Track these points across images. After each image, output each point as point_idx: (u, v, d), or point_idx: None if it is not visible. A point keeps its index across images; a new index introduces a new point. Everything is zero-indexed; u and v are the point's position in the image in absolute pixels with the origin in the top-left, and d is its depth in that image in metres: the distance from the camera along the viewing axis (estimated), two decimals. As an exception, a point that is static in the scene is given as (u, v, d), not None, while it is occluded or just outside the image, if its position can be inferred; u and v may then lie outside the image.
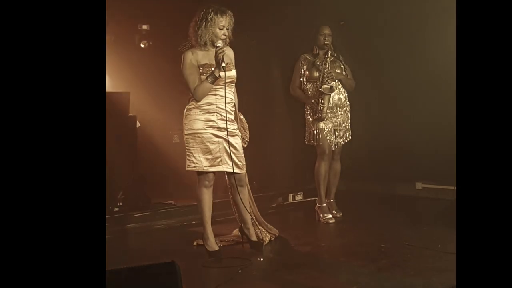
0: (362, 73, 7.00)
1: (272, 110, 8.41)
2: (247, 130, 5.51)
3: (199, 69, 5.03)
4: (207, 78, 4.95)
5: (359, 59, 7.25)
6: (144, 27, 8.25)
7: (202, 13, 5.00)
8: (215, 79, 4.95)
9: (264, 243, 5.46)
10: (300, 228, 6.44)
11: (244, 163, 5.27)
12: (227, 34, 5.03)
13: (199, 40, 5.03)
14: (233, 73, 5.13)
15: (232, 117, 5.19)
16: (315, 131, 6.44)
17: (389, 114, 7.84)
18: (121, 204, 6.74)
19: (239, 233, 5.53)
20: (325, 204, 6.56)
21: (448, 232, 5.13)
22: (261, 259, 5.02)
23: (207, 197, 5.16)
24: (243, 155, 5.26)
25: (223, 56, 4.91)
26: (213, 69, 4.98)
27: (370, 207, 7.30)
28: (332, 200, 6.75)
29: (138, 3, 7.68)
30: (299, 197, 7.81)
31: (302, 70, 6.55)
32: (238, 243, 5.54)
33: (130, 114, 7.32)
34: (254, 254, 5.14)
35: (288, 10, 8.04)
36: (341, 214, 6.69)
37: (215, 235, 5.27)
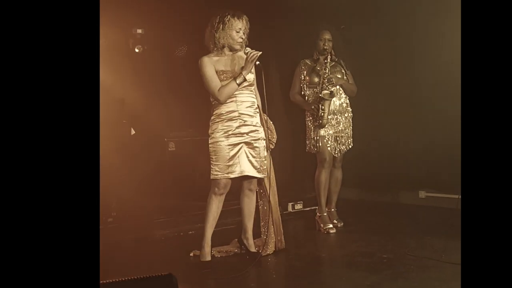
0: (364, 79, 7.01)
1: (271, 116, 8.41)
2: (274, 131, 5.59)
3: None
4: (234, 79, 5.07)
5: (360, 64, 7.26)
6: (139, 31, 8.21)
7: (219, 16, 5.17)
8: (243, 80, 5.09)
9: (264, 254, 5.46)
10: (300, 238, 6.44)
11: (265, 167, 5.35)
12: (243, 37, 5.20)
13: (216, 43, 5.18)
14: (250, 76, 5.22)
15: (256, 120, 5.29)
16: (315, 138, 6.44)
17: (391, 121, 7.85)
18: (115, 214, 6.73)
19: (238, 244, 5.54)
20: (325, 214, 6.57)
21: (453, 242, 5.16)
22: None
23: (214, 205, 5.21)
24: (264, 159, 5.33)
25: (255, 58, 5.06)
26: (228, 76, 5.14)
27: (372, 217, 7.30)
28: (333, 209, 6.75)
29: (133, 6, 7.66)
30: (298, 206, 7.80)
31: (302, 76, 6.58)
32: (237, 253, 5.55)
33: (124, 121, 7.32)
34: (253, 265, 5.14)
35: (287, 15, 8.05)
36: (342, 223, 6.69)
37: (213, 245, 5.28)
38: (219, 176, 5.11)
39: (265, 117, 5.46)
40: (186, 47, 8.52)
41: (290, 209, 7.74)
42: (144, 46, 8.25)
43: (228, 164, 5.10)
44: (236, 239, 5.61)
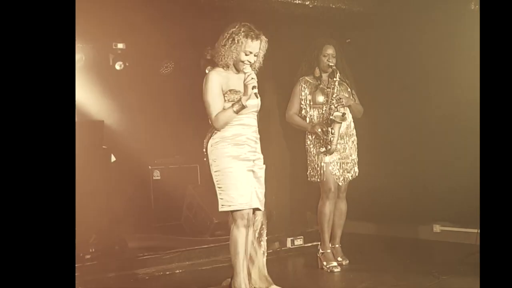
0: (371, 99, 7.02)
1: (267, 139, 8.41)
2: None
3: (224, 95, 5.01)
4: (232, 106, 4.92)
5: (367, 82, 7.27)
6: (120, 45, 8.22)
7: (232, 30, 4.98)
8: (241, 109, 4.93)
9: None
10: (301, 278, 6.43)
11: (264, 200, 5.24)
12: (252, 60, 5.01)
13: (221, 60, 5.02)
14: (255, 101, 5.11)
15: (259, 147, 5.23)
16: (319, 164, 6.41)
17: (402, 146, 7.85)
18: (93, 250, 6.70)
19: (230, 285, 5.52)
20: (329, 250, 6.53)
21: (471, 280, 5.15)
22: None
23: (243, 239, 5.02)
24: (264, 190, 5.24)
25: (253, 84, 4.88)
26: (239, 96, 4.97)
27: (380, 253, 7.29)
28: (337, 245, 6.71)
29: (112, 17, 7.63)
30: (299, 242, 7.77)
31: (303, 94, 6.53)
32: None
33: (103, 147, 7.32)
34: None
35: (284, 29, 8.09)
36: (347, 261, 6.66)
37: (203, 286, 5.25)
38: (234, 207, 4.96)
39: None
40: (173, 64, 8.53)
41: (289, 244, 7.71)
42: (126, 63, 8.27)
43: (241, 193, 4.97)
44: (229, 279, 5.59)
